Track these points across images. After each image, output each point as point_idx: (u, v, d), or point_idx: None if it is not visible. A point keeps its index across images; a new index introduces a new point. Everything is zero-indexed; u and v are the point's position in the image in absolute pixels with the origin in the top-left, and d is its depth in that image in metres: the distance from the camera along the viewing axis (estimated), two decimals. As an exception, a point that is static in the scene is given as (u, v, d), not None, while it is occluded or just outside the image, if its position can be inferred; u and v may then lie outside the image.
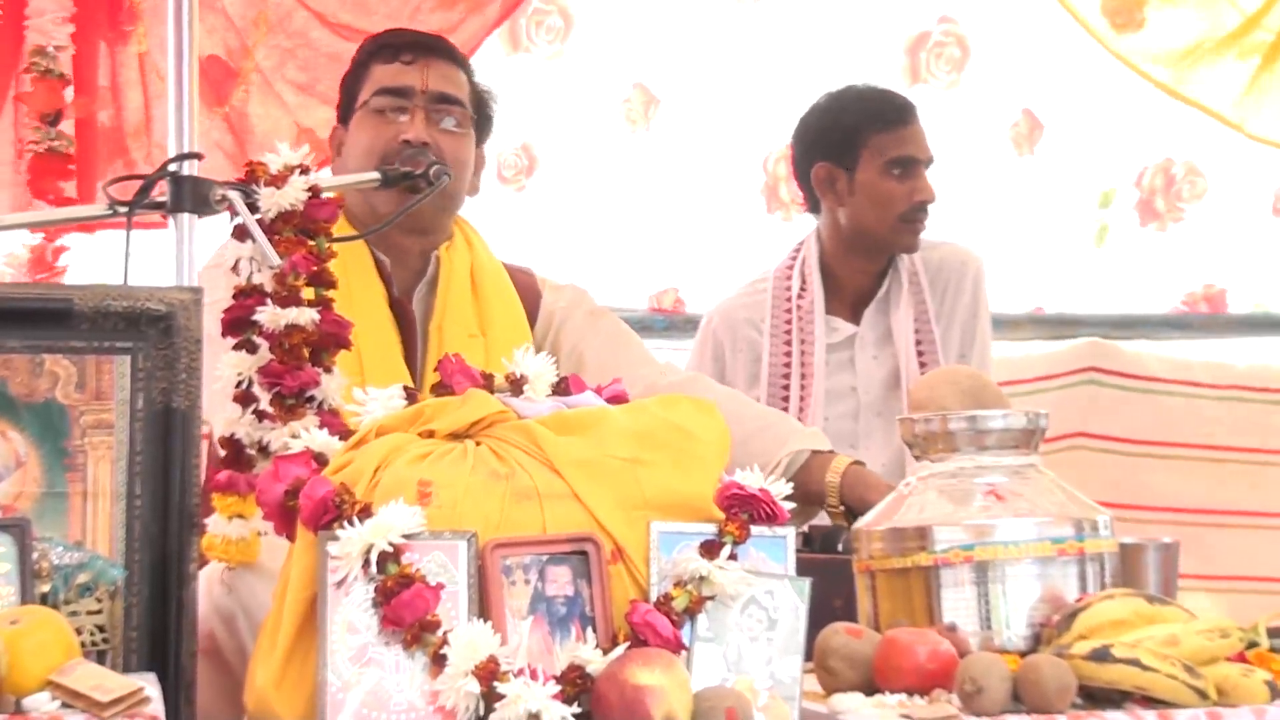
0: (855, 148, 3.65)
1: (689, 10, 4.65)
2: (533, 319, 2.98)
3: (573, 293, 3.06)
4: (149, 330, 2.05)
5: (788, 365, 3.66)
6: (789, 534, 1.99)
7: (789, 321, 3.69)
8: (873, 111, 3.68)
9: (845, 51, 4.65)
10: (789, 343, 3.67)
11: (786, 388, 3.64)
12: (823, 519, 2.74)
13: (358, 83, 2.96)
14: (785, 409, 3.59)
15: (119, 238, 2.29)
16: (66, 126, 3.91)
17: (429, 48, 2.97)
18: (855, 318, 3.71)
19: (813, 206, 3.77)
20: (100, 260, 3.98)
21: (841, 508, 2.68)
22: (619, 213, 4.63)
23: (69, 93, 3.93)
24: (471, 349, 2.75)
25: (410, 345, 2.85)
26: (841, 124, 3.69)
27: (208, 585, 2.22)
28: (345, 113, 2.98)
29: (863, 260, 3.70)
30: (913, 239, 3.65)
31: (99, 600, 1.98)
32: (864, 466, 2.74)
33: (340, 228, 2.77)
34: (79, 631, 1.92)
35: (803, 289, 3.70)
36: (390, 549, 1.86)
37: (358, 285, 2.81)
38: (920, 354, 3.62)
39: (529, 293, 3.00)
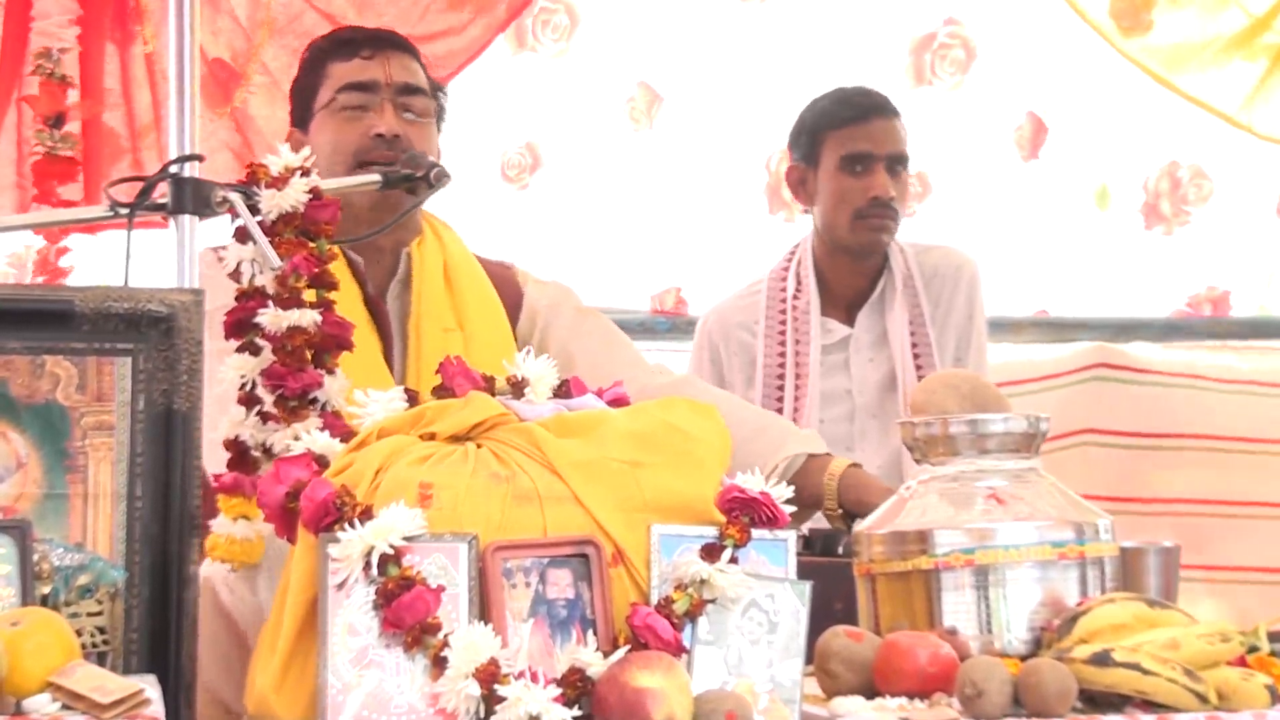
0: (817, 146, 3.68)
1: (694, 10, 4.65)
2: (514, 314, 2.93)
3: (557, 290, 3.01)
4: (150, 332, 2.04)
5: (782, 367, 3.65)
6: (790, 537, 2.00)
7: (783, 323, 3.68)
8: (831, 110, 3.70)
9: (849, 52, 4.65)
10: (783, 344, 3.67)
11: (781, 389, 3.63)
12: (822, 521, 2.74)
13: (315, 84, 2.91)
14: (780, 411, 3.58)
15: (122, 239, 2.29)
16: (71, 129, 3.90)
17: (386, 41, 2.94)
18: (850, 319, 3.70)
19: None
20: (103, 262, 3.98)
21: (839, 511, 2.67)
22: (622, 211, 4.63)
23: (73, 95, 3.93)
24: (450, 344, 2.73)
25: (387, 344, 2.82)
26: (806, 124, 3.73)
27: None
28: (302, 116, 2.93)
29: (846, 261, 3.69)
30: (872, 237, 3.62)
31: (99, 602, 1.97)
32: (861, 469, 2.74)
33: None
34: (79, 633, 1.92)
35: (798, 290, 3.69)
36: (391, 551, 1.86)
37: None
38: (916, 356, 3.61)
39: (508, 286, 2.96)
